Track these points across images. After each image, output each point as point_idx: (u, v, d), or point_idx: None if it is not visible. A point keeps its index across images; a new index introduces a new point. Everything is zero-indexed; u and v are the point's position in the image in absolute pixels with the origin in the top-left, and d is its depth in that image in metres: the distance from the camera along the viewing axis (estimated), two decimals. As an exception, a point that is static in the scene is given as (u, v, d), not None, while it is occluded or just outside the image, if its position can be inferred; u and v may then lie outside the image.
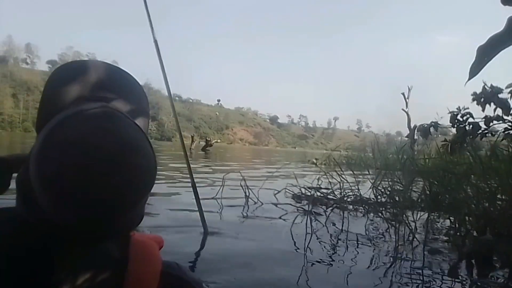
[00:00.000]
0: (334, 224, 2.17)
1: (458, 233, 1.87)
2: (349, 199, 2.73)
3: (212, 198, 2.78)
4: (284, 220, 2.25)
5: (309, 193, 2.98)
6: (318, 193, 2.88)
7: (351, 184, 2.79)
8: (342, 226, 2.06)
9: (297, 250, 1.60)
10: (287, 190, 3.19)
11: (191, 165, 1.92)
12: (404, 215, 1.98)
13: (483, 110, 2.15)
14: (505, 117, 2.06)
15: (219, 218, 2.21)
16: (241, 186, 2.87)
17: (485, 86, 2.12)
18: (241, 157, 14.56)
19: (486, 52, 0.73)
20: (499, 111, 2.08)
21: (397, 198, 2.36)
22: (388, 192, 2.51)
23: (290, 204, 2.69)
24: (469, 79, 0.76)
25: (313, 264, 1.41)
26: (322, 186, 3.04)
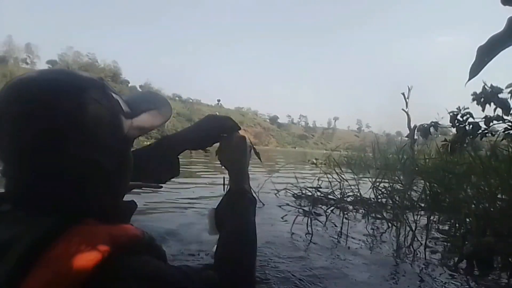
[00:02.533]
0: (334, 225, 2.17)
1: (458, 234, 1.87)
2: (349, 199, 2.73)
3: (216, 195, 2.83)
4: (286, 220, 2.25)
5: (309, 193, 2.98)
6: (318, 193, 2.88)
7: (351, 184, 2.79)
8: (342, 226, 2.06)
9: (298, 250, 1.60)
10: (287, 190, 3.19)
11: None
12: (404, 215, 1.98)
13: (483, 110, 2.15)
14: (505, 117, 2.06)
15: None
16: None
17: (485, 86, 2.12)
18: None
19: (486, 52, 0.73)
20: (499, 111, 2.08)
21: (397, 198, 2.36)
22: (388, 192, 2.50)
23: (291, 205, 2.69)
24: (469, 79, 0.76)
25: (313, 264, 1.41)
26: (322, 186, 3.04)
